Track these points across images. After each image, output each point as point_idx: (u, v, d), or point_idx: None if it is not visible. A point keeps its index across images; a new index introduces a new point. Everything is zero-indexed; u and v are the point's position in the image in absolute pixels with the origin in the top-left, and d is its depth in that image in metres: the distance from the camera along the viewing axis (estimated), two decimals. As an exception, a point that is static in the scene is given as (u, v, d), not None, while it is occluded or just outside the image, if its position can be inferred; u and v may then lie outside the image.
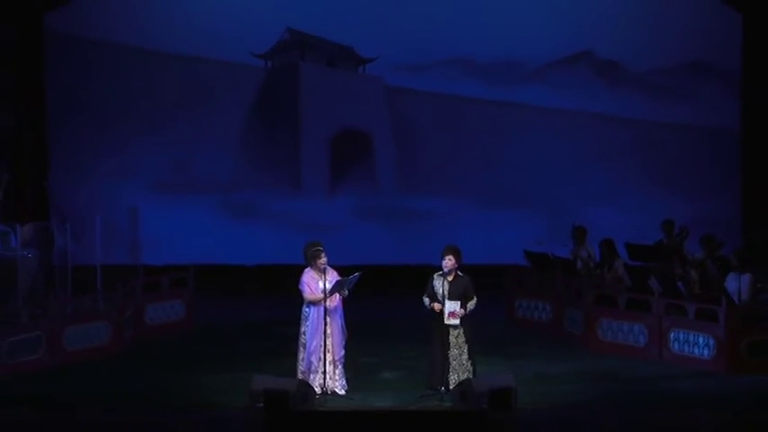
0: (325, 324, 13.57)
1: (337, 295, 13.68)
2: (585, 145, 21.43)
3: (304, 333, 13.76)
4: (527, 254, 18.43)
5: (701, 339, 15.32)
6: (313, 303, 13.68)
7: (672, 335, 15.69)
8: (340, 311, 13.80)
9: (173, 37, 21.23)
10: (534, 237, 18.59)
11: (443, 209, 21.33)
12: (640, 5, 21.03)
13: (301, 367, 13.74)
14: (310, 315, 13.71)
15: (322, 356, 13.61)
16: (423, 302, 13.70)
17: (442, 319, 13.53)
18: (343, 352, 13.77)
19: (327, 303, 13.58)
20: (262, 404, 12.67)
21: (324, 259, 13.64)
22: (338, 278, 13.66)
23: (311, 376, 13.64)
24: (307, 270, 13.77)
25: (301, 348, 13.78)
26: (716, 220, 19.71)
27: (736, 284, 15.71)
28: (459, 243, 13.93)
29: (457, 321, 13.50)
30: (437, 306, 13.51)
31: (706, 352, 15.26)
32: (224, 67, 21.50)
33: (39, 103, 21.17)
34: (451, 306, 13.45)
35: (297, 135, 21.81)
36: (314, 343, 13.66)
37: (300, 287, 13.74)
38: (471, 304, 13.59)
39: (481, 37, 21.16)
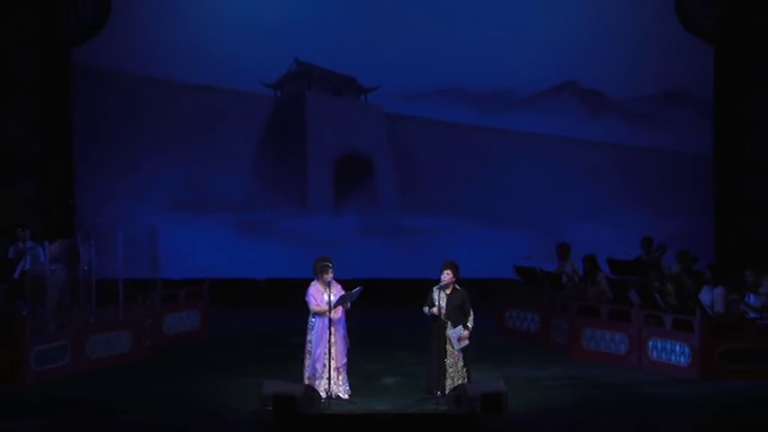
0: (330, 334, 13.58)
1: (341, 307, 13.70)
2: (570, 168, 21.42)
3: (310, 341, 13.76)
4: (517, 268, 18.43)
5: (677, 347, 15.31)
6: (318, 314, 13.70)
7: (650, 343, 15.67)
8: (343, 322, 13.80)
9: (189, 68, 21.26)
10: (523, 253, 18.59)
11: (439, 227, 21.31)
12: (621, 39, 21.05)
13: (307, 373, 13.74)
14: (315, 325, 13.72)
15: (327, 363, 13.60)
16: (422, 311, 13.66)
17: (441, 328, 13.53)
18: (345, 360, 13.76)
19: (332, 315, 13.60)
20: (271, 407, 12.65)
21: (330, 274, 13.67)
22: (342, 292, 13.69)
23: (316, 382, 13.63)
24: (313, 283, 13.79)
25: (307, 356, 13.79)
26: (691, 237, 19.70)
27: (710, 297, 15.71)
28: (453, 259, 13.95)
29: (467, 342, 13.48)
30: (435, 310, 13.51)
31: (682, 359, 15.25)
32: (236, 96, 21.52)
33: (65, 130, 21.19)
34: (456, 333, 13.42)
35: (304, 158, 21.81)
36: (318, 351, 13.66)
37: (306, 298, 13.75)
38: (470, 321, 13.58)
39: (474, 68, 21.17)
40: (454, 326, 13.53)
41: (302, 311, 13.95)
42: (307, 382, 13.60)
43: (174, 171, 21.46)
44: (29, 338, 14.85)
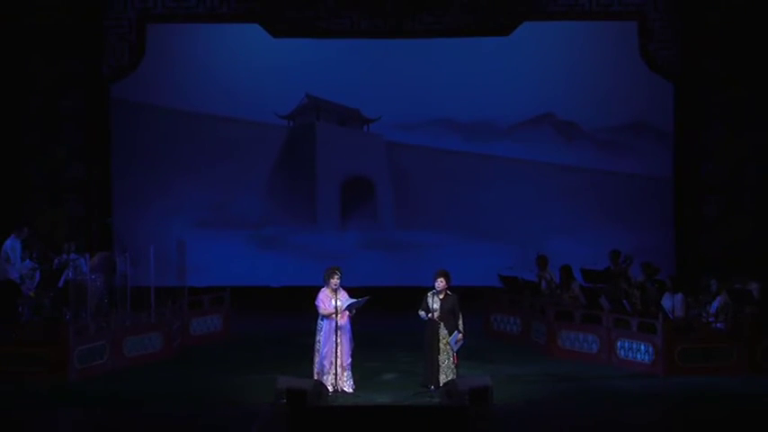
0: (337, 335, 13.56)
1: (347, 312, 13.69)
2: (548, 189, 21.37)
3: (318, 341, 13.75)
4: (501, 277, 18.38)
5: (642, 347, 15.28)
6: (325, 317, 13.69)
7: (619, 343, 15.63)
8: (349, 326, 13.80)
9: (213, 101, 21.26)
10: (506, 264, 18.56)
11: (432, 241, 21.26)
12: (592, 76, 21.02)
13: (316, 369, 13.72)
14: (323, 327, 13.73)
15: (334, 361, 13.59)
16: (419, 316, 13.71)
17: (435, 330, 13.51)
18: (350, 360, 13.74)
19: (339, 319, 13.58)
20: (284, 400, 12.62)
21: (335, 280, 13.66)
22: (348, 297, 13.69)
23: (324, 377, 13.61)
24: (323, 289, 13.79)
25: (316, 354, 13.77)
26: (653, 250, 19.63)
27: (671, 302, 15.70)
28: (445, 268, 13.93)
29: (463, 342, 13.48)
30: (431, 316, 13.49)
31: (647, 357, 15.21)
32: (254, 126, 21.51)
33: (105, 157, 21.17)
34: (454, 338, 13.43)
35: (313, 181, 21.78)
36: (325, 349, 13.65)
37: (316, 303, 13.75)
38: (461, 324, 13.59)
39: (462, 101, 21.16)
40: (447, 327, 13.53)
41: (312, 315, 13.93)
42: (316, 377, 13.58)
43: (199, 192, 21.42)
44: (72, 340, 14.83)
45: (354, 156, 21.75)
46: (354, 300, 13.66)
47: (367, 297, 13.64)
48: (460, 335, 13.49)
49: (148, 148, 21.41)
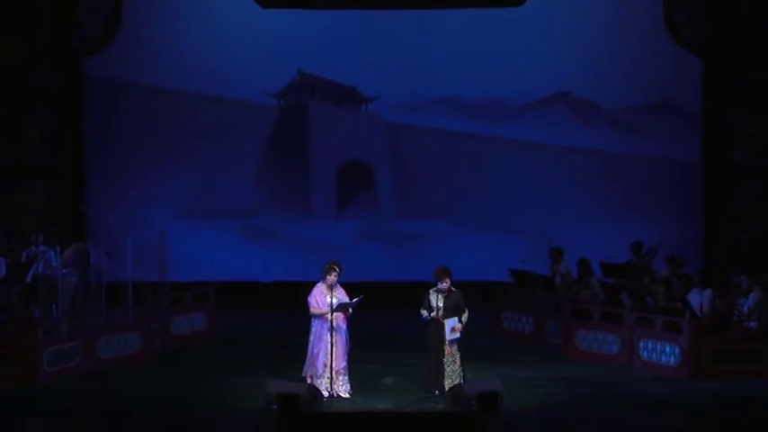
0: (331, 336, 13.53)
1: (341, 313, 13.65)
2: (563, 175, 21.35)
3: (310, 342, 13.72)
4: (512, 272, 18.36)
5: (667, 348, 15.26)
6: (317, 316, 13.65)
7: (641, 344, 15.62)
8: (344, 326, 13.77)
9: (196, 79, 21.21)
10: (518, 257, 18.50)
11: (437, 231, 21.24)
12: (612, 51, 21.00)
13: (307, 372, 13.67)
14: (314, 326, 13.70)
15: (328, 364, 13.56)
16: (420, 315, 13.71)
17: (439, 330, 13.48)
18: (344, 363, 13.72)
19: (333, 319, 13.53)
20: (275, 406, 12.59)
21: (333, 277, 13.63)
22: (345, 295, 13.66)
23: (318, 381, 13.60)
24: (318, 284, 13.77)
25: (308, 355, 13.75)
26: (679, 242, 19.62)
27: (699, 299, 15.64)
28: (450, 262, 13.98)
29: (458, 335, 13.47)
30: (433, 314, 13.47)
31: (672, 359, 15.19)
32: (241, 106, 21.46)
33: (78, 138, 21.14)
34: (451, 323, 13.42)
35: (307, 166, 21.75)
36: (316, 350, 13.66)
37: (308, 299, 13.72)
38: (465, 317, 13.59)
39: (469, 79, 21.12)
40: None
41: (306, 313, 13.91)
42: (309, 380, 13.55)
43: (181, 178, 21.38)
44: (41, 340, 14.80)
45: (351, 138, 21.72)
46: (347, 301, 13.61)
47: (361, 296, 13.61)
48: (459, 324, 13.46)
49: (126, 130, 21.37)
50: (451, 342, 13.49)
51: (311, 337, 13.74)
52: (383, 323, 18.27)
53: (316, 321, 13.71)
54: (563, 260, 17.75)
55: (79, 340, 15.36)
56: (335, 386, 13.60)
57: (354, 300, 13.65)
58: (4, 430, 12.76)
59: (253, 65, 21.07)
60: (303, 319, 14.06)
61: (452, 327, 13.45)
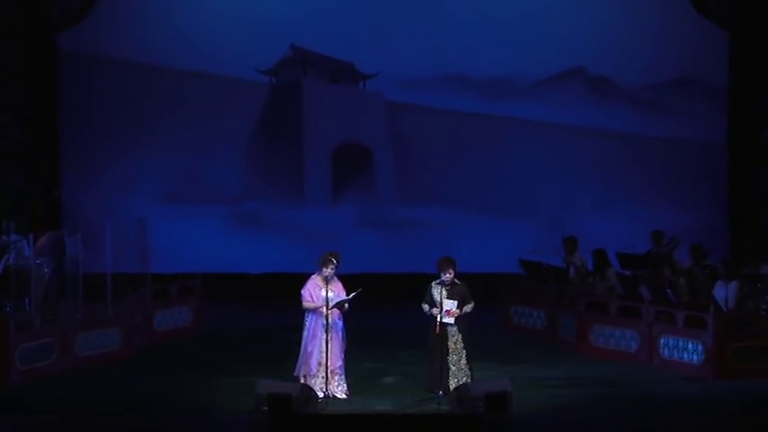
0: (326, 333, 13.55)
1: (336, 309, 13.66)
2: (577, 158, 21.39)
3: (304, 338, 13.74)
4: (522, 262, 18.38)
5: (689, 345, 15.27)
6: (311, 311, 13.66)
7: (662, 341, 15.64)
8: (340, 323, 13.78)
9: (180, 53, 21.20)
10: (528, 246, 18.54)
11: (441, 219, 21.28)
12: (631, 23, 21.01)
13: (299, 371, 13.69)
14: (308, 321, 13.71)
15: (323, 363, 13.58)
16: (422, 309, 13.72)
17: (440, 324, 13.51)
18: (339, 362, 13.74)
19: (328, 315, 13.55)
20: (266, 407, 12.62)
21: (329, 269, 13.63)
22: (341, 289, 13.67)
23: (312, 380, 13.62)
24: (313, 277, 13.78)
25: (301, 352, 13.77)
26: (703, 230, 19.66)
27: (724, 292, 15.67)
28: (455, 252, 13.98)
29: (452, 320, 13.50)
30: (436, 311, 13.51)
31: (695, 357, 15.21)
32: (229, 83, 21.46)
33: (51, 118, 21.14)
34: (448, 305, 13.46)
35: (300, 148, 21.77)
36: (309, 349, 13.66)
37: (302, 292, 13.74)
38: (468, 307, 13.61)
39: (477, 54, 21.13)
40: (456, 322, 13.52)
41: (299, 308, 13.92)
42: (302, 380, 13.58)
43: (164, 161, 21.41)
44: (13, 336, 14.80)
45: (349, 118, 21.75)
46: (344, 296, 13.62)
47: (358, 290, 13.61)
48: (456, 310, 13.45)
49: (103, 109, 21.38)
50: (444, 325, 13.48)
51: (304, 333, 13.76)
52: (382, 318, 18.31)
53: (309, 316, 13.72)
54: (577, 250, 17.77)
55: (54, 337, 15.36)
56: (331, 386, 13.62)
57: (351, 294, 13.65)
58: (-27, 434, 12.81)
59: (241, 38, 21.07)
60: (296, 313, 14.07)
61: (447, 309, 13.44)
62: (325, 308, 13.56)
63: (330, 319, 13.59)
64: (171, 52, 21.19)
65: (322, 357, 13.59)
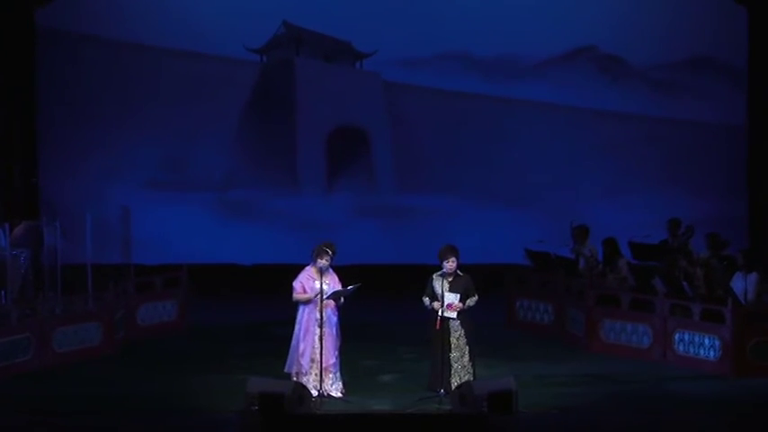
0: (320, 328, 13.54)
1: (332, 301, 13.64)
2: (587, 142, 21.41)
3: (295, 333, 13.76)
4: (528, 253, 18.38)
5: (706, 340, 15.29)
6: (303, 303, 13.65)
7: (677, 336, 15.65)
8: (335, 317, 13.76)
9: (165, 32, 21.20)
10: (535, 236, 18.55)
11: (442, 207, 21.30)
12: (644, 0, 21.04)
13: (291, 368, 13.69)
14: (300, 315, 13.71)
15: (316, 360, 13.58)
16: (423, 303, 13.72)
17: (442, 319, 13.51)
18: (333, 360, 13.73)
19: (322, 308, 13.54)
20: (257, 407, 12.64)
21: (324, 260, 13.61)
22: (337, 282, 13.66)
23: (304, 378, 13.63)
24: (307, 268, 13.78)
25: (292, 348, 13.78)
26: (721, 218, 19.69)
27: (743, 284, 15.67)
28: (457, 242, 13.96)
29: (454, 315, 13.50)
30: (437, 305, 13.50)
31: (712, 353, 15.23)
32: (217, 63, 21.45)
33: (29, 99, 21.13)
34: (450, 298, 13.46)
35: (293, 131, 21.78)
36: (301, 346, 13.66)
37: (293, 283, 13.73)
38: (472, 300, 13.60)
39: (480, 31, 21.12)
40: (458, 317, 13.52)
41: (291, 301, 13.92)
42: (294, 378, 13.59)
43: (149, 145, 21.43)
44: (-12, 331, 14.83)
45: (344, 100, 21.75)
46: (341, 288, 13.60)
47: (358, 284, 13.61)
48: (460, 304, 13.45)
49: (84, 90, 21.38)
50: (445, 319, 13.47)
51: (296, 328, 13.75)
52: (380, 312, 18.34)
53: (301, 310, 13.72)
54: (588, 240, 17.77)
55: (31, 331, 15.38)
56: (325, 385, 13.62)
57: (350, 287, 13.63)
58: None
59: (230, 14, 21.09)
60: (288, 307, 14.07)
61: (449, 303, 13.43)
62: (318, 301, 13.54)
63: (324, 313, 13.57)
64: (155, 30, 21.18)
65: (315, 354, 13.59)
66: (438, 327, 13.48)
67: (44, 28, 21.20)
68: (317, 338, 13.58)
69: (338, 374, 13.81)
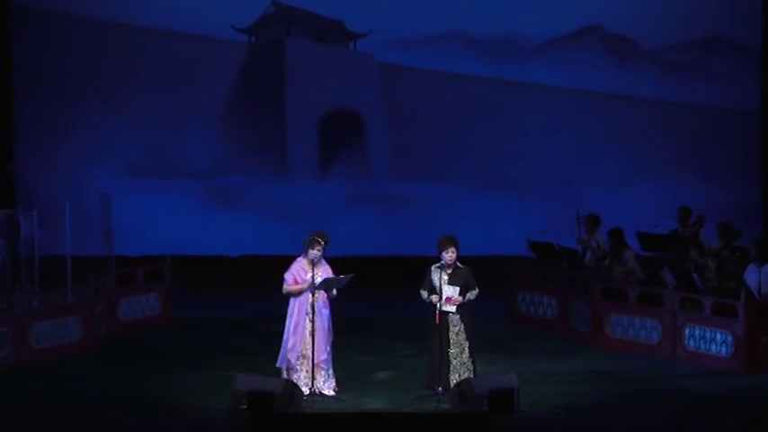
0: (312, 322, 13.55)
1: (323, 293, 13.64)
2: (593, 127, 21.45)
3: (286, 327, 13.78)
4: (531, 244, 18.41)
5: (718, 336, 15.32)
6: (294, 296, 13.65)
7: (687, 331, 15.69)
8: (327, 311, 13.76)
9: (148, 10, 21.21)
10: (538, 226, 18.62)
11: (440, 196, 21.34)
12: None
13: (282, 364, 13.71)
14: (291, 309, 13.73)
15: (307, 355, 13.59)
16: (420, 296, 13.73)
17: (442, 313, 13.52)
18: (324, 356, 13.74)
19: (313, 301, 13.55)
20: (245, 406, 12.65)
21: (316, 250, 13.61)
22: (330, 273, 13.66)
23: (294, 375, 13.65)
24: (298, 259, 13.79)
25: (282, 343, 13.80)
26: (734, 208, 19.75)
27: (757, 276, 15.70)
28: (457, 233, 13.97)
29: (453, 308, 13.51)
30: (436, 298, 13.51)
31: (723, 349, 15.26)
32: (204, 43, 21.46)
33: (4, 82, 21.11)
34: (449, 291, 13.47)
35: (283, 116, 21.78)
36: (291, 341, 13.68)
37: (285, 275, 13.74)
38: (472, 294, 13.60)
39: (481, 10, 21.16)
40: (458, 311, 13.54)
41: (282, 294, 13.94)
42: (284, 374, 13.61)
43: (131, 130, 21.45)
44: (-39, 326, 14.85)
45: (337, 82, 21.77)
46: (334, 276, 13.60)
47: (351, 275, 13.61)
48: (459, 297, 13.45)
49: (62, 72, 21.39)
50: (444, 314, 13.49)
51: (287, 322, 13.76)
52: (376, 306, 18.37)
53: (292, 303, 13.73)
54: (598, 231, 17.75)
55: (8, 326, 15.37)
56: (317, 382, 13.64)
57: (342, 276, 13.62)
58: None
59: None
60: (278, 301, 14.08)
61: (448, 296, 13.45)
62: (310, 294, 13.54)
63: (315, 306, 13.58)
64: (137, 8, 21.20)
65: (306, 349, 13.60)
66: (437, 321, 13.49)
67: (19, 6, 21.19)
68: (307, 333, 13.59)
69: (331, 371, 13.83)
